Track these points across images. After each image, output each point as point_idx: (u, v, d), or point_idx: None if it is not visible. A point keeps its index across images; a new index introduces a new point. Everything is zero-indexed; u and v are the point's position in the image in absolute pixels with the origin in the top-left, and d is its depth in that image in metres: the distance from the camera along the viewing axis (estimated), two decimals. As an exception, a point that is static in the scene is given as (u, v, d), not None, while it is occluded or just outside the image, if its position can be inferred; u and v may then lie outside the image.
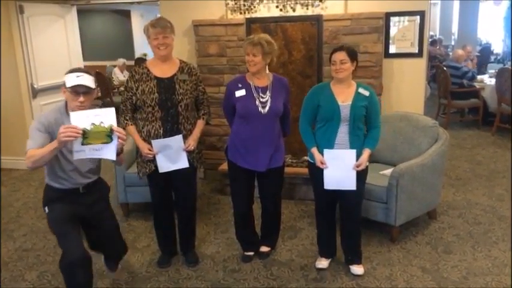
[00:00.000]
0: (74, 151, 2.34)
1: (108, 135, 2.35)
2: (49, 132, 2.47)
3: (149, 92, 2.95)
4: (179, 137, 3.01)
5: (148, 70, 3.02)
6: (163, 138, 3.00)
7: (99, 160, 2.71)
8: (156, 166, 3.05)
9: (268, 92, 3.04)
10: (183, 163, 3.06)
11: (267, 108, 3.02)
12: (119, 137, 2.37)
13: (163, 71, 3.02)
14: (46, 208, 2.68)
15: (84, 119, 2.31)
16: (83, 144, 2.32)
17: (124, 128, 2.90)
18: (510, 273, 3.07)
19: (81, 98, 2.43)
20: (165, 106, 2.97)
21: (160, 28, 2.90)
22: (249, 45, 2.95)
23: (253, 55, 2.94)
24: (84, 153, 2.35)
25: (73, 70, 2.52)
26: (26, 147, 2.41)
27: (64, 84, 2.46)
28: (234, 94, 3.04)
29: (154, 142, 3.00)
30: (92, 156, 2.39)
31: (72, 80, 2.43)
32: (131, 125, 3.07)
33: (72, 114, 2.31)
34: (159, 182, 3.14)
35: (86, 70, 2.53)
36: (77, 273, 2.46)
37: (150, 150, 3.02)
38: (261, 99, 3.02)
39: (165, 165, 3.05)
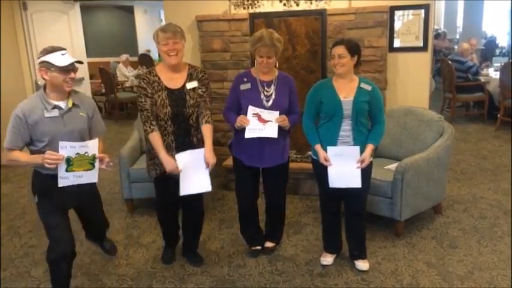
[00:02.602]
0: (59, 177, 2.47)
1: (90, 162, 2.53)
2: (27, 123, 2.47)
3: (162, 105, 2.86)
4: (202, 151, 2.87)
5: (159, 78, 2.89)
6: (176, 151, 2.87)
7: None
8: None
9: (272, 86, 3.04)
10: (206, 186, 2.88)
11: (270, 101, 3.01)
12: (101, 161, 2.56)
13: (173, 80, 2.90)
14: (36, 197, 2.64)
15: (69, 149, 2.45)
16: (66, 171, 2.47)
17: (148, 135, 2.88)
18: (511, 268, 3.07)
19: (72, 74, 2.47)
20: (177, 120, 2.90)
21: (170, 33, 2.79)
22: (263, 48, 2.88)
23: (268, 57, 2.92)
24: (68, 180, 2.49)
25: (53, 49, 2.45)
26: (4, 141, 2.49)
27: (46, 65, 2.41)
28: (239, 87, 3.05)
29: (178, 157, 2.84)
30: (75, 182, 2.51)
31: (60, 59, 2.42)
32: (156, 131, 2.86)
33: (61, 144, 2.42)
34: (167, 186, 3.01)
35: (63, 47, 2.50)
36: (62, 266, 2.64)
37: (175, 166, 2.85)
38: (266, 93, 3.02)
39: (186, 186, 2.86)
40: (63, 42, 6.10)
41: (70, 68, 2.45)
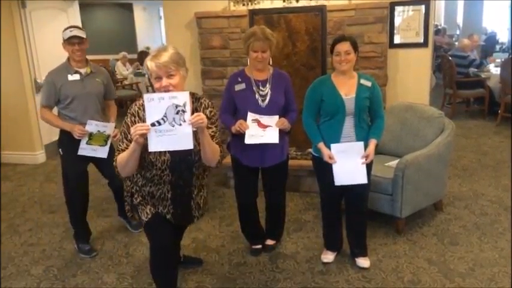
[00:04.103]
0: (80, 147, 3.24)
1: (105, 140, 3.28)
2: (55, 86, 3.22)
3: (158, 152, 2.24)
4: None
5: None
6: (171, 202, 2.43)
7: (100, 106, 3.40)
8: (160, 211, 2.45)
9: (268, 85, 3.00)
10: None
11: (266, 101, 2.99)
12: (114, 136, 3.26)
13: None
14: (60, 150, 3.38)
15: (94, 126, 3.22)
16: (86, 143, 3.24)
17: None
18: (511, 264, 3.06)
19: (76, 47, 3.20)
20: (177, 169, 2.33)
21: (161, 65, 2.12)
22: (258, 42, 2.86)
23: (262, 51, 2.89)
24: (85, 150, 3.26)
25: (67, 27, 3.26)
26: (40, 100, 3.32)
27: (63, 39, 3.22)
28: (234, 88, 3.01)
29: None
30: (90, 154, 3.28)
31: (67, 34, 3.19)
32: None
33: (88, 121, 3.21)
34: (164, 227, 2.48)
35: (77, 26, 3.42)
36: (81, 203, 3.44)
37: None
38: (261, 92, 2.99)
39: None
40: (62, 40, 6.09)
41: (74, 41, 3.18)
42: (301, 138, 4.17)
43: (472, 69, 7.24)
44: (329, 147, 2.85)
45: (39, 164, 5.74)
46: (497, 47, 11.97)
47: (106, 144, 3.30)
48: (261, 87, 3.00)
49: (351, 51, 2.79)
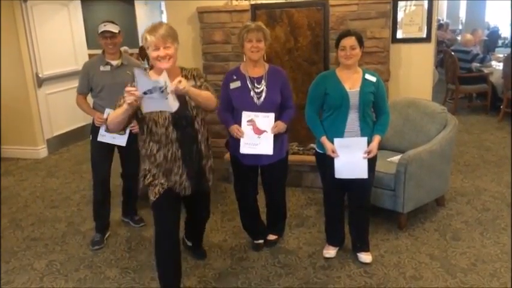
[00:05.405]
0: (100, 134, 3.35)
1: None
2: (88, 75, 3.40)
3: (160, 111, 2.45)
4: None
5: None
6: (183, 161, 2.59)
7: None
8: (166, 186, 2.61)
9: (263, 82, 2.98)
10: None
11: (262, 98, 2.97)
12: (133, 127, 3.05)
13: None
14: (90, 136, 3.50)
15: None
16: (105, 130, 3.15)
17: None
18: (511, 260, 3.06)
19: (109, 40, 3.33)
20: (180, 125, 2.53)
21: (160, 37, 2.41)
22: (253, 32, 2.88)
23: (257, 41, 2.89)
24: (104, 137, 3.35)
25: (102, 22, 3.39)
26: (76, 88, 3.49)
27: (97, 33, 3.36)
28: (229, 85, 3.00)
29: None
30: (109, 141, 3.37)
31: (101, 28, 3.34)
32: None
33: (106, 110, 3.27)
34: (170, 209, 2.62)
35: (111, 20, 3.45)
36: (99, 190, 3.53)
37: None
38: (256, 90, 2.97)
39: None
40: (63, 34, 6.09)
41: (107, 35, 3.32)
42: (303, 133, 4.17)
43: (474, 64, 7.21)
44: (332, 142, 2.85)
45: (40, 158, 5.74)
46: (500, 42, 11.91)
47: (125, 133, 3.30)
48: (256, 84, 2.98)
49: (356, 47, 2.78)
